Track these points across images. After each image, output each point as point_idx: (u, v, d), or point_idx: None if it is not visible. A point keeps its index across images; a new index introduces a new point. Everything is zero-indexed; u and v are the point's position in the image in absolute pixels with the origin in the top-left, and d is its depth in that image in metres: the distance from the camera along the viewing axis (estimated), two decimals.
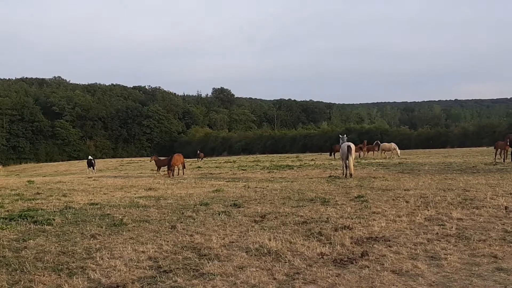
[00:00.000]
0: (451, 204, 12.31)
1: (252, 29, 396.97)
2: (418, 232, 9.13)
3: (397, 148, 43.56)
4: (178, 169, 30.29)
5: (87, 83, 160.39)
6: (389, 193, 15.21)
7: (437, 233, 8.95)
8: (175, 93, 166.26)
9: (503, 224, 9.60)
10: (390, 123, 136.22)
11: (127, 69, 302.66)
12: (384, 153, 45.49)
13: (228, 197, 15.62)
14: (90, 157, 46.78)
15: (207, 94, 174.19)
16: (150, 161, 44.78)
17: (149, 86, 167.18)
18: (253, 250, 7.96)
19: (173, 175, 28.86)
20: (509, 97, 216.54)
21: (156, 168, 34.25)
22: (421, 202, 12.86)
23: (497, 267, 6.75)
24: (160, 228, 10.43)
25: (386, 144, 45.98)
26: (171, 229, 10.22)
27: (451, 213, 10.84)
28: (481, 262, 7.05)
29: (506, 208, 11.32)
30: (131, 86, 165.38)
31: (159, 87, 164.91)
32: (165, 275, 6.77)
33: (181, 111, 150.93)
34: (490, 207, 11.51)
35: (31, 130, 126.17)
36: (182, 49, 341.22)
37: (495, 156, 31.13)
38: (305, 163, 38.65)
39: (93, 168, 42.21)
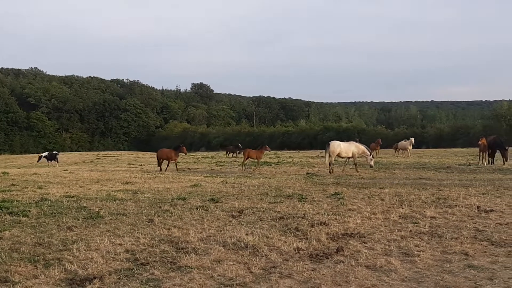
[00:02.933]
0: (425, 202, 12.56)
1: (234, 25, 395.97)
2: (392, 229, 9.32)
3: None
4: (165, 164, 29.38)
5: (64, 75, 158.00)
6: (365, 191, 15.43)
7: (410, 231, 9.14)
8: (153, 87, 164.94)
9: (475, 223, 9.86)
10: (367, 123, 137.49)
11: (105, 61, 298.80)
12: (399, 152, 44.29)
13: (206, 192, 15.66)
14: (45, 154, 46.77)
15: (186, 89, 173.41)
16: (238, 154, 44.90)
17: (128, 79, 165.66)
18: (230, 244, 8.03)
19: (161, 169, 28.44)
20: (484, 100, 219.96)
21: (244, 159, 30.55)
22: (396, 200, 13.10)
23: (468, 264, 6.94)
24: (137, 221, 10.43)
25: (403, 143, 44.06)
26: (149, 222, 10.24)
27: (424, 212, 11.07)
28: (453, 259, 7.23)
29: (478, 207, 11.60)
30: (109, 79, 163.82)
31: (138, 80, 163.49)
32: (142, 268, 6.79)
33: (159, 106, 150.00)
34: (462, 206, 11.78)
35: (5, 121, 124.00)
36: (163, 43, 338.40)
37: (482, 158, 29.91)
38: (283, 160, 38.90)
39: (48, 161, 42.35)
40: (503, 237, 8.59)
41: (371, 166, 24.85)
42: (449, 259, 7.23)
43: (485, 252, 7.65)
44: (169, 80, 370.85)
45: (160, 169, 28.60)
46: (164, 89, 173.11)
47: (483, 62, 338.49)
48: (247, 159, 29.94)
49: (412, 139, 43.67)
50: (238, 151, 48.24)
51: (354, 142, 25.44)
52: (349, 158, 24.92)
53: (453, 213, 10.96)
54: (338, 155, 24.43)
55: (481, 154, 29.87)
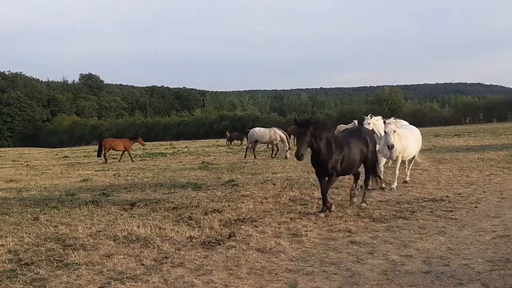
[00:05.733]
0: (314, 185, 13.10)
1: (121, 12, 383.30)
2: (283, 212, 9.65)
3: None
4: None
5: None
6: (258, 176, 15.79)
7: (299, 212, 9.52)
8: (38, 79, 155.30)
9: None
10: (261, 110, 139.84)
11: None
12: None
13: (97, 187, 15.17)
14: None
15: (74, 80, 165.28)
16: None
17: (9, 71, 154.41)
18: (121, 238, 7.87)
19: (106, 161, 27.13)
20: (368, 86, 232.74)
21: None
22: (287, 184, 13.55)
23: (351, 241, 7.39)
24: (21, 220, 9.90)
25: (343, 125, 39.28)
26: (34, 221, 9.75)
27: (313, 194, 11.58)
28: (337, 236, 7.65)
29: (361, 187, 12.28)
30: None
31: (20, 72, 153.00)
32: (26, 268, 6.47)
33: (45, 98, 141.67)
34: (347, 187, 12.44)
35: None
36: (47, 32, 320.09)
37: None
38: (178, 150, 38.55)
39: None
40: (383, 214, 9.23)
41: (285, 157, 22.78)
42: (334, 237, 7.64)
43: (366, 228, 8.17)
44: (55, 71, 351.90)
45: (106, 161, 27.15)
46: (50, 80, 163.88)
47: (368, 50, 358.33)
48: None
49: (356, 122, 39.55)
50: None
51: (274, 128, 25.45)
52: (271, 143, 24.92)
53: (338, 193, 11.58)
54: (257, 141, 24.80)
55: None
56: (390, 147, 11.67)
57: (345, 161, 9.44)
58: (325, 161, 9.17)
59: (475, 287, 5.29)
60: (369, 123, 13.88)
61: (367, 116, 14.35)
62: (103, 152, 27.04)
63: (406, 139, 12.60)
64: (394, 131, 11.83)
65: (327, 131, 9.41)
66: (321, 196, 11.11)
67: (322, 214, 9.05)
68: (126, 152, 28.06)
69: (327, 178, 9.45)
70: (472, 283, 5.40)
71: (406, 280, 5.60)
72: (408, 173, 13.44)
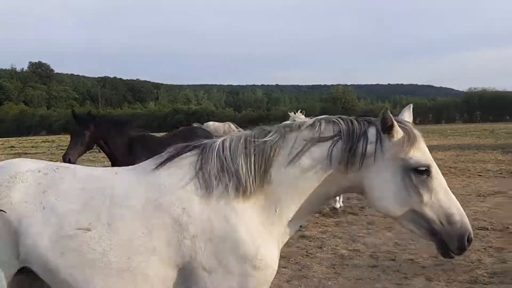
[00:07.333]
0: None
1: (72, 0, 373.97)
2: None
3: None
4: None
5: None
6: None
7: None
8: None
9: None
10: (216, 105, 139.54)
11: None
12: None
13: None
14: None
15: (23, 68, 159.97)
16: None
17: None
18: None
19: None
20: (323, 84, 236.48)
21: None
22: None
23: (301, 235, 7.45)
24: None
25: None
26: None
27: None
28: None
29: None
30: None
31: None
32: None
33: None
34: None
35: None
36: None
37: None
38: None
39: None
40: None
41: None
42: None
43: (317, 223, 8.26)
44: (2, 58, 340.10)
45: None
46: None
47: (322, 49, 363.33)
48: None
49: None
50: None
51: (229, 122, 25.45)
52: None
53: None
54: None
55: None
56: None
57: None
58: None
59: (420, 281, 5.41)
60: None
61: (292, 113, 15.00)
62: None
63: None
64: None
65: (128, 130, 7.23)
66: None
67: None
68: None
69: None
70: (417, 277, 5.53)
71: (353, 274, 5.68)
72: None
